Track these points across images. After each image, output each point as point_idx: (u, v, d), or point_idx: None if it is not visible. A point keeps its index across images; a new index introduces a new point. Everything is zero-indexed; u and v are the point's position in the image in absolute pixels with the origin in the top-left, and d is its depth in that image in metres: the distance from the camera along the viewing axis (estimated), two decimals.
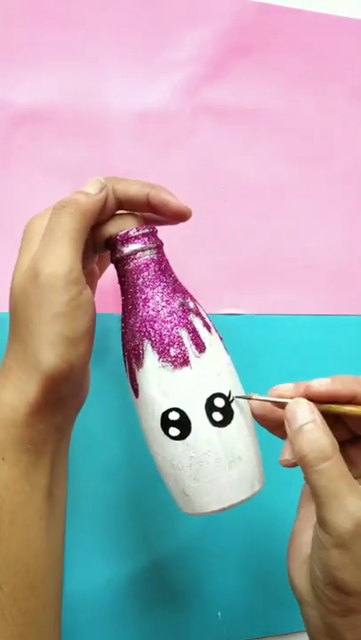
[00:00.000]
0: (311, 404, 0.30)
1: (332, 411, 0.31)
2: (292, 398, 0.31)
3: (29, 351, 0.30)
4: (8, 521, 0.30)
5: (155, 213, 0.35)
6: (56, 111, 0.45)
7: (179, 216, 0.35)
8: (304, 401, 0.30)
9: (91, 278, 0.38)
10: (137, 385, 0.33)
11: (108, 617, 0.42)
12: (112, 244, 0.34)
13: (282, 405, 0.32)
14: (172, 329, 0.32)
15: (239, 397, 0.33)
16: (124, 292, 0.34)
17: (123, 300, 0.34)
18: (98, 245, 0.35)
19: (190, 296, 0.34)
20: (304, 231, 0.50)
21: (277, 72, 0.51)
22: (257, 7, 0.50)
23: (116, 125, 0.46)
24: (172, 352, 0.32)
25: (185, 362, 0.32)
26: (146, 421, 0.33)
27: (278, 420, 0.33)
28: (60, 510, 0.34)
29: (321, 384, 0.31)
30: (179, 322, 0.32)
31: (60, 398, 0.31)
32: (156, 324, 0.32)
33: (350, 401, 0.31)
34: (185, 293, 0.34)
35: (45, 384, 0.30)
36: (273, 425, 0.33)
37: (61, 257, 0.30)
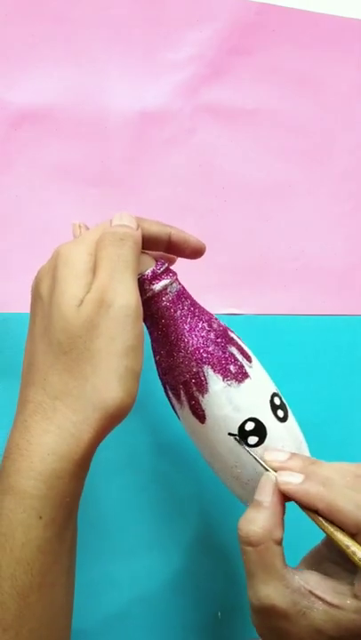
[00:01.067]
0: (279, 480, 0.30)
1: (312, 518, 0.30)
2: (275, 470, 0.31)
3: (90, 387, 0.28)
4: (37, 585, 0.27)
5: (171, 251, 0.36)
6: (56, 111, 0.45)
7: (197, 252, 0.36)
8: (273, 477, 0.31)
9: None
10: (202, 411, 0.33)
11: (107, 616, 0.42)
12: (139, 285, 0.33)
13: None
14: (225, 348, 0.34)
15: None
16: (159, 329, 0.34)
17: (158, 338, 0.34)
18: None
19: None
20: (304, 231, 0.50)
21: (277, 72, 0.50)
22: (257, 7, 0.50)
23: (116, 125, 0.46)
24: (233, 369, 0.33)
25: (245, 374, 0.33)
26: (219, 442, 0.33)
27: None
28: (75, 562, 0.31)
29: (293, 487, 0.30)
30: (226, 341, 0.34)
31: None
32: (210, 348, 0.33)
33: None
34: (211, 314, 0.35)
35: (104, 423, 0.28)
36: None
37: (131, 289, 0.29)
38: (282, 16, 0.50)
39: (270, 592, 0.28)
